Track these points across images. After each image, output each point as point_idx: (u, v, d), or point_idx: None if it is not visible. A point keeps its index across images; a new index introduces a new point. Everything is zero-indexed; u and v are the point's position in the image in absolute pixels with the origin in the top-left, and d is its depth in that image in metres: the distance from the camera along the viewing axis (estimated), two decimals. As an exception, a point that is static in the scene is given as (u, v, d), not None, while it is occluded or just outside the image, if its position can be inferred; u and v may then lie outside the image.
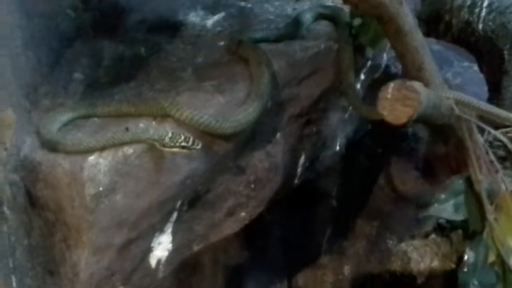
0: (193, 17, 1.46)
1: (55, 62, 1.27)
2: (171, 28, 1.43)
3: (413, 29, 1.13)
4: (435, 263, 1.64)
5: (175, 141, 0.97)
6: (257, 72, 1.16)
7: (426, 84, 1.14)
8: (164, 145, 0.98)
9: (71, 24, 1.35)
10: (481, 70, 1.71)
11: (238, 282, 1.71)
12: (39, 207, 0.98)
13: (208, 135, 1.09)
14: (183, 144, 0.97)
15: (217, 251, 1.56)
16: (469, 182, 1.22)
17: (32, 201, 0.97)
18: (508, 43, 1.56)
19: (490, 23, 1.56)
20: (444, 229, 1.76)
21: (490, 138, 1.27)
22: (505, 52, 1.57)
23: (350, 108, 1.42)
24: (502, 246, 1.05)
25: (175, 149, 0.98)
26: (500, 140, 1.23)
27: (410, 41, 1.13)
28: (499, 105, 1.45)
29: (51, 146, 0.99)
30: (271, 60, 1.23)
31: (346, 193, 1.78)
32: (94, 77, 1.27)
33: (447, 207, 1.28)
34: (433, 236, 1.72)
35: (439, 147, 1.76)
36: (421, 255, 1.67)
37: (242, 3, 1.53)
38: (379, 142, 1.80)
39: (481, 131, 1.21)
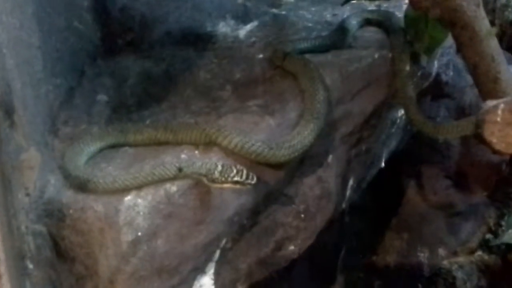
0: (223, 27, 1.39)
1: (75, 83, 1.18)
2: (201, 40, 1.36)
3: (489, 35, 0.99)
4: (483, 283, 1.59)
5: (226, 175, 0.84)
6: (310, 89, 1.05)
7: (502, 97, 1.00)
8: (213, 181, 0.85)
9: (90, 40, 1.27)
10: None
11: None
12: (67, 259, 0.85)
13: (259, 164, 0.96)
14: (235, 179, 0.84)
15: None
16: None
17: (60, 252, 0.83)
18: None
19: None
20: (492, 246, 1.68)
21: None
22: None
23: (407, 122, 1.29)
24: None
25: (226, 185, 0.86)
26: None
27: (485, 48, 1.00)
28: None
29: (80, 185, 0.87)
30: (323, 73, 1.10)
31: (375, 203, 1.69)
32: (119, 98, 1.18)
33: (519, 234, 1.16)
34: (479, 253, 1.65)
35: (471, 155, 1.68)
36: (468, 274, 1.62)
37: (275, 10, 1.46)
38: (409, 151, 1.68)
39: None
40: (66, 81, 1.10)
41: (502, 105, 0.71)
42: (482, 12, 0.98)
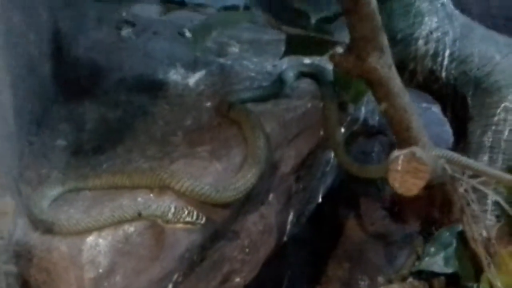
0: (174, 75, 1.45)
1: (35, 129, 1.22)
2: (153, 87, 1.40)
3: (401, 91, 1.17)
4: None
5: (178, 216, 0.94)
6: (252, 136, 1.15)
7: (414, 143, 1.17)
8: (167, 222, 0.94)
9: (47, 88, 1.31)
10: (445, 115, 1.78)
11: None
12: (33, 295, 0.91)
13: (207, 205, 1.06)
14: (187, 219, 0.94)
15: None
16: (460, 237, 1.24)
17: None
18: (471, 89, 1.62)
19: (452, 71, 1.63)
20: (421, 273, 1.80)
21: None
22: (469, 98, 1.63)
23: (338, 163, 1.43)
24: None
25: (179, 225, 0.95)
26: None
27: (398, 102, 1.16)
28: (465, 149, 1.52)
29: (46, 227, 0.94)
30: (263, 122, 1.22)
31: (316, 236, 1.78)
32: (77, 143, 1.23)
33: (437, 260, 1.30)
34: (410, 279, 1.79)
35: None
36: None
37: (221, 60, 1.53)
38: (347, 185, 1.80)
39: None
40: (27, 126, 1.17)
41: (401, 157, 0.87)
42: (394, 73, 1.15)
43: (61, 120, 1.28)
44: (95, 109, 1.32)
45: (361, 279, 1.78)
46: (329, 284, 1.79)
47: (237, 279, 1.22)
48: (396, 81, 1.15)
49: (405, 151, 0.88)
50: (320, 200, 1.58)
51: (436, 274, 1.73)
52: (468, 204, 1.11)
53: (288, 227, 1.41)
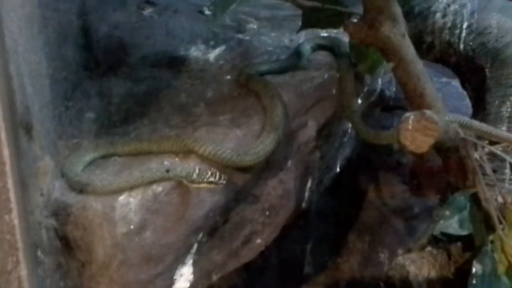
0: (195, 51, 1.50)
1: (66, 103, 1.29)
2: (174, 63, 1.46)
3: (414, 59, 1.20)
4: (433, 275, 1.66)
5: (202, 177, 1.00)
6: (270, 105, 1.20)
7: (428, 109, 1.21)
8: (192, 182, 1.01)
9: (77, 65, 1.38)
10: (464, 88, 1.79)
11: None
12: (72, 250, 1.00)
13: (228, 168, 1.12)
14: (210, 179, 1.00)
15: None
16: (473, 199, 1.28)
17: (66, 244, 0.98)
18: (489, 61, 1.62)
19: (470, 43, 1.63)
20: (439, 241, 1.83)
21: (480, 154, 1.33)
22: (487, 70, 1.64)
23: (355, 132, 1.47)
24: (512, 257, 1.12)
25: (203, 185, 1.01)
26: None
27: (412, 69, 1.19)
28: (484, 120, 1.53)
29: (81, 188, 1.01)
30: (281, 92, 1.27)
31: (337, 209, 1.82)
32: (106, 115, 1.29)
33: (452, 223, 1.33)
34: (429, 248, 1.82)
35: (424, 161, 1.84)
36: (419, 268, 1.69)
37: (240, 36, 1.57)
38: (367, 158, 1.85)
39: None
40: (59, 100, 1.24)
41: (412, 116, 0.91)
42: (407, 41, 1.19)
43: (89, 94, 1.35)
44: (121, 84, 1.39)
45: (381, 251, 1.81)
46: (349, 256, 1.82)
47: (258, 240, 1.28)
48: (409, 49, 1.18)
49: (416, 112, 0.93)
50: (338, 170, 1.61)
51: (452, 240, 1.77)
52: (481, 166, 1.15)
53: (307, 194, 1.45)
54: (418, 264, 1.83)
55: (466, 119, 1.19)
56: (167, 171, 1.00)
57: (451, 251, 1.79)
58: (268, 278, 1.80)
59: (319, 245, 1.83)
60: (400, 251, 1.73)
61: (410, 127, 0.87)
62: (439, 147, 1.21)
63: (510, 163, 1.27)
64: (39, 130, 0.90)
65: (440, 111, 1.23)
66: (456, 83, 1.83)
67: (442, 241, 1.84)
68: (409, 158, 1.86)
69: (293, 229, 1.80)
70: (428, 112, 0.93)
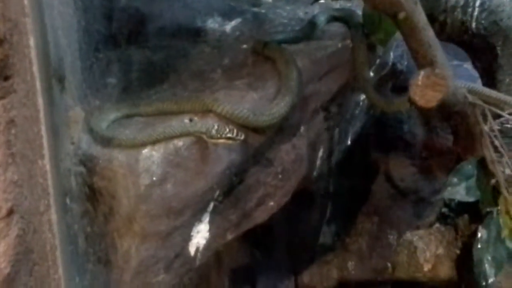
0: (211, 23, 1.54)
1: (88, 68, 1.35)
2: (192, 33, 1.51)
3: (426, 26, 1.23)
4: (440, 251, 1.75)
5: (221, 133, 1.05)
6: (285, 70, 1.24)
7: (438, 76, 1.24)
8: (211, 137, 1.06)
9: (98, 34, 1.42)
10: (475, 67, 1.82)
11: (247, 281, 1.76)
12: (97, 200, 1.05)
13: (244, 128, 1.16)
14: (228, 135, 1.05)
15: (224, 253, 1.60)
16: (480, 165, 1.32)
17: (93, 192, 1.04)
18: (501, 39, 1.65)
19: (483, 21, 1.65)
20: (447, 217, 1.86)
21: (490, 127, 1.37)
22: (498, 48, 1.66)
23: (367, 101, 1.51)
24: (516, 219, 1.16)
25: (221, 141, 1.06)
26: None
27: (423, 37, 1.22)
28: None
29: (107, 142, 1.07)
30: (295, 58, 1.32)
31: (347, 190, 1.85)
32: (127, 81, 1.34)
33: (459, 190, 1.37)
34: (437, 225, 1.82)
35: (433, 143, 1.88)
36: (427, 244, 1.78)
37: (256, 9, 1.62)
38: (377, 140, 1.88)
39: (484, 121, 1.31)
40: (82, 65, 1.29)
41: (422, 73, 0.96)
42: (419, 8, 1.22)
43: (111, 62, 1.39)
44: (141, 52, 1.44)
45: (390, 233, 1.85)
46: (358, 237, 1.87)
47: (271, 203, 1.32)
48: (421, 16, 1.21)
49: (426, 69, 0.97)
50: (349, 143, 1.64)
51: (459, 213, 1.80)
52: (489, 128, 1.17)
53: (318, 162, 1.50)
54: (426, 240, 1.87)
55: (474, 85, 1.23)
56: (190, 120, 1.05)
57: (458, 225, 1.83)
58: (277, 257, 1.85)
59: (329, 225, 1.88)
60: (408, 233, 1.78)
61: (420, 83, 0.92)
62: (448, 111, 1.25)
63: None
64: (71, 81, 0.95)
65: (450, 78, 1.26)
66: (468, 65, 1.85)
67: (450, 217, 1.88)
68: (418, 140, 1.88)
69: (304, 208, 1.86)
70: (437, 69, 0.97)
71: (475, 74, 1.75)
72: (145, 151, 1.05)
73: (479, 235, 1.33)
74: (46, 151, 0.85)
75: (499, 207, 1.25)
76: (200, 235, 1.22)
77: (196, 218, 1.19)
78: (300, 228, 1.88)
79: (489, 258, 1.32)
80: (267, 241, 1.85)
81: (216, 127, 1.06)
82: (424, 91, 0.92)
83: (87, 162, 1.05)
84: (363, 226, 1.88)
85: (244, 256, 1.78)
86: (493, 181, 1.12)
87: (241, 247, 1.72)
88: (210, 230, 1.22)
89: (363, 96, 1.57)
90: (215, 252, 1.42)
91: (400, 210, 1.86)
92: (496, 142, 1.31)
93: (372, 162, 1.88)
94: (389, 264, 1.82)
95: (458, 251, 1.83)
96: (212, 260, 1.51)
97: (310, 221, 1.91)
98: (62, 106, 0.94)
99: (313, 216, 1.92)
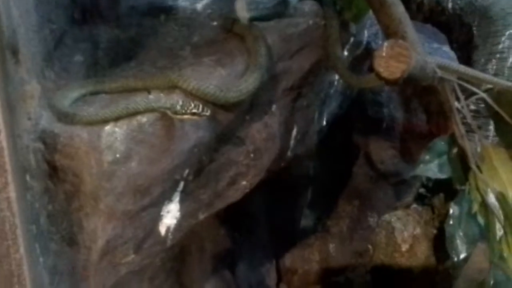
0: (183, 1, 1.51)
1: (54, 47, 1.31)
2: (163, 12, 1.48)
3: (396, 2, 1.23)
4: (418, 231, 1.76)
5: (185, 108, 1.03)
6: (254, 46, 1.23)
7: (410, 52, 1.23)
8: (175, 113, 1.04)
9: (65, 11, 1.39)
10: (452, 48, 1.82)
11: (227, 265, 1.76)
12: (59, 179, 1.03)
13: (212, 105, 1.15)
14: (193, 111, 1.03)
15: (204, 235, 1.60)
16: (452, 142, 1.32)
17: (54, 170, 1.01)
18: (476, 19, 1.65)
19: (458, 2, 1.65)
20: (424, 198, 1.87)
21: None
22: (474, 28, 1.67)
23: (340, 79, 1.50)
24: (485, 193, 1.16)
25: (186, 116, 1.04)
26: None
27: (393, 12, 1.22)
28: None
29: (68, 119, 1.04)
30: (265, 35, 1.30)
31: (327, 173, 1.85)
32: (94, 59, 1.31)
33: (431, 167, 1.37)
34: (414, 205, 1.82)
35: (413, 126, 1.88)
36: (404, 224, 1.78)
37: None
38: (357, 122, 1.88)
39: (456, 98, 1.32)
40: (48, 42, 1.25)
41: (386, 43, 0.95)
42: (389, -17, 1.21)
43: (79, 40, 1.36)
44: (109, 31, 1.41)
45: (370, 215, 1.88)
46: (339, 220, 1.89)
47: (243, 182, 1.31)
48: (391, -9, 1.20)
49: (390, 40, 0.96)
50: (324, 123, 1.64)
51: (435, 192, 1.81)
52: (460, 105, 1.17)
53: (292, 142, 1.49)
54: (404, 220, 1.89)
55: (444, 61, 1.22)
56: (149, 92, 1.02)
57: (434, 205, 1.84)
58: (259, 240, 1.86)
59: (310, 208, 1.88)
60: (387, 214, 1.77)
61: (384, 54, 0.90)
62: (416, 86, 1.24)
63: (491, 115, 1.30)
64: (26, 53, 0.92)
65: (420, 53, 1.26)
66: (446, 48, 1.86)
67: (427, 197, 1.89)
68: (398, 122, 1.89)
69: (285, 191, 1.85)
70: (401, 40, 0.96)
71: (454, 56, 1.76)
72: (108, 127, 1.04)
73: (451, 211, 1.33)
74: (1, 127, 0.83)
75: (469, 181, 1.25)
76: (171, 215, 1.20)
77: (165, 197, 1.18)
78: (281, 211, 1.88)
79: (461, 234, 1.32)
80: (248, 224, 1.85)
81: (181, 102, 1.04)
82: (388, 62, 0.91)
83: (47, 139, 1.02)
84: (344, 208, 1.90)
85: (225, 239, 1.77)
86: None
87: (222, 230, 1.73)
88: (180, 210, 1.21)
89: (337, 76, 1.55)
90: (195, 235, 1.42)
91: (381, 192, 1.88)
92: (468, 119, 1.31)
93: (352, 145, 1.88)
94: (370, 246, 1.84)
95: (435, 231, 1.84)
96: (191, 243, 1.50)
97: (291, 204, 1.92)
98: (17, 80, 0.91)
99: (294, 199, 1.92)
